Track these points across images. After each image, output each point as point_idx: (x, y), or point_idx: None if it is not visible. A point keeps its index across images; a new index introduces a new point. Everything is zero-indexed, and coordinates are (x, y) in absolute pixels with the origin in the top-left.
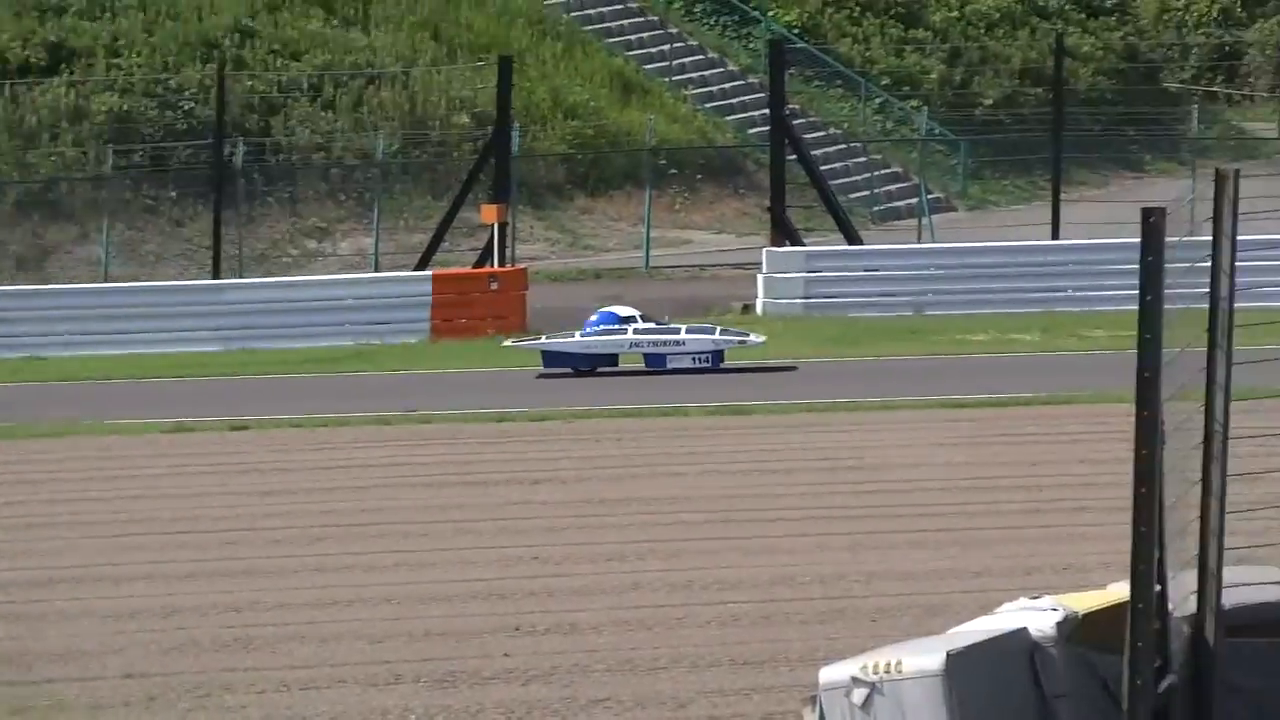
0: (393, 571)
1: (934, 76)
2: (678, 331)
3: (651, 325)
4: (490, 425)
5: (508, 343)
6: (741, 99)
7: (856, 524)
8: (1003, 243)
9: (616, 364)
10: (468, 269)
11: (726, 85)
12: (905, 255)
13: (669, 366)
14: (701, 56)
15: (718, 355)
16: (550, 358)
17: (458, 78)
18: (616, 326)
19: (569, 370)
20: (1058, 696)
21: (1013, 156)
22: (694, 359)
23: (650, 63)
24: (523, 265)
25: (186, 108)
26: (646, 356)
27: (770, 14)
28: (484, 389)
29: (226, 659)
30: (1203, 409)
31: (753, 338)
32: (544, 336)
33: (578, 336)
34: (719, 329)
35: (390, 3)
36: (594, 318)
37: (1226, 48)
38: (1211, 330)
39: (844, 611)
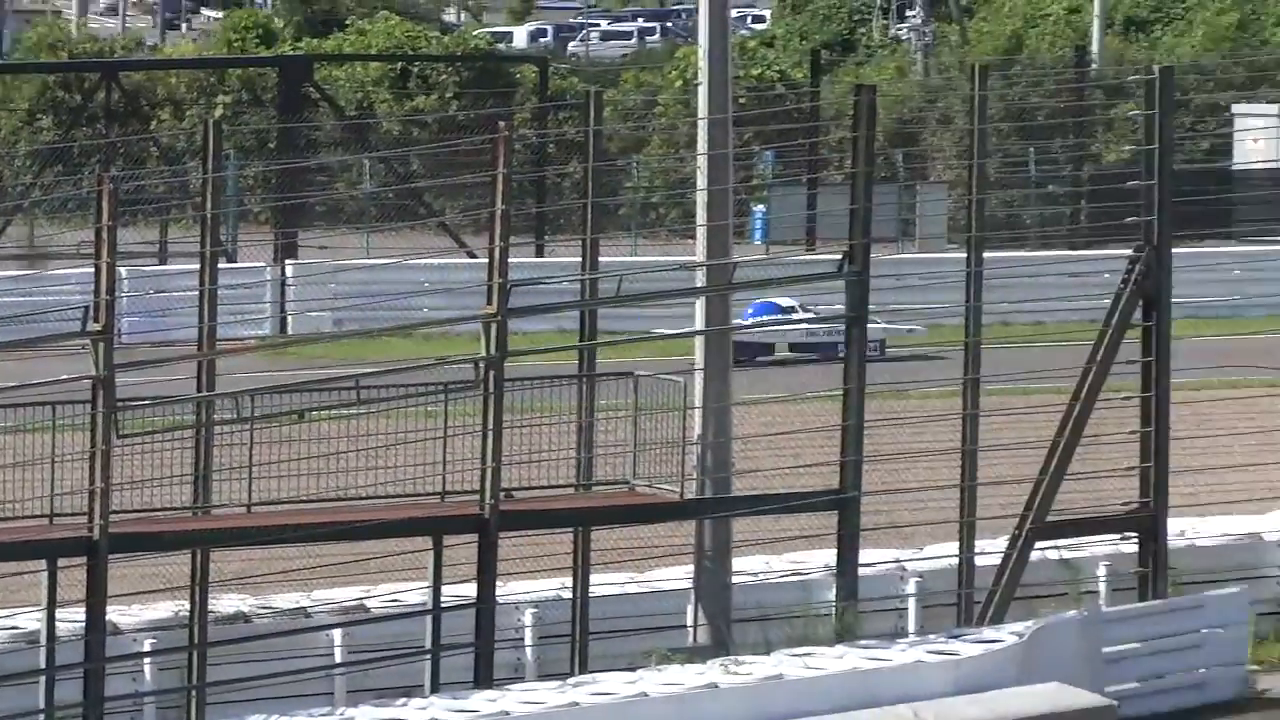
0: None
1: None
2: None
3: (812, 315)
4: None
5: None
6: None
7: None
8: None
9: (773, 353)
10: None
11: None
12: None
13: (840, 354)
14: None
15: (882, 344)
16: None
17: None
18: (779, 316)
19: None
20: None
21: None
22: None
23: None
24: None
25: None
26: (819, 345)
27: None
28: None
29: None
30: None
31: (918, 328)
32: None
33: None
34: (883, 320)
35: None
36: (749, 309)
37: None
38: None
39: None
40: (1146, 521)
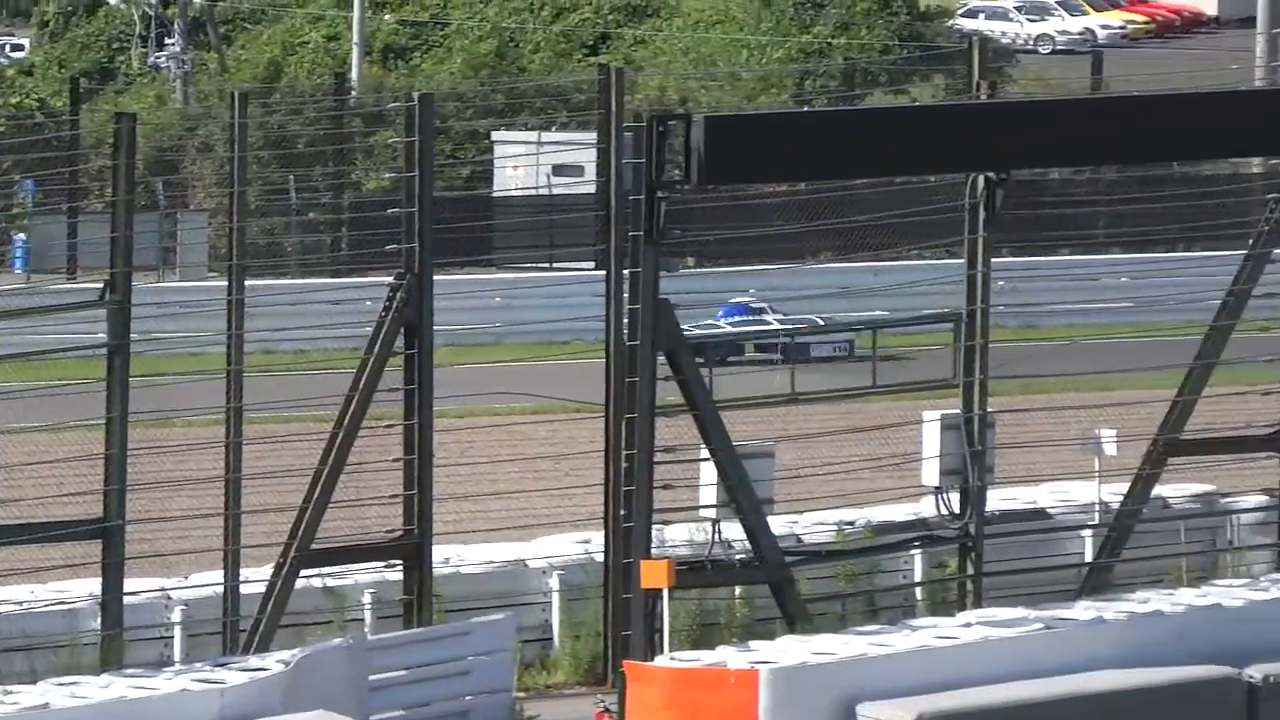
0: None
1: None
2: (817, 322)
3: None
4: None
5: None
6: None
7: None
8: None
9: (743, 353)
10: None
11: None
12: None
13: (811, 355)
14: None
15: (852, 344)
16: None
17: None
18: (753, 317)
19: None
20: None
21: None
22: (834, 348)
23: None
24: None
25: None
26: (789, 346)
27: None
28: None
29: None
30: None
31: None
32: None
33: (725, 327)
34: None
35: None
36: (720, 311)
37: None
38: None
39: None
40: (411, 549)
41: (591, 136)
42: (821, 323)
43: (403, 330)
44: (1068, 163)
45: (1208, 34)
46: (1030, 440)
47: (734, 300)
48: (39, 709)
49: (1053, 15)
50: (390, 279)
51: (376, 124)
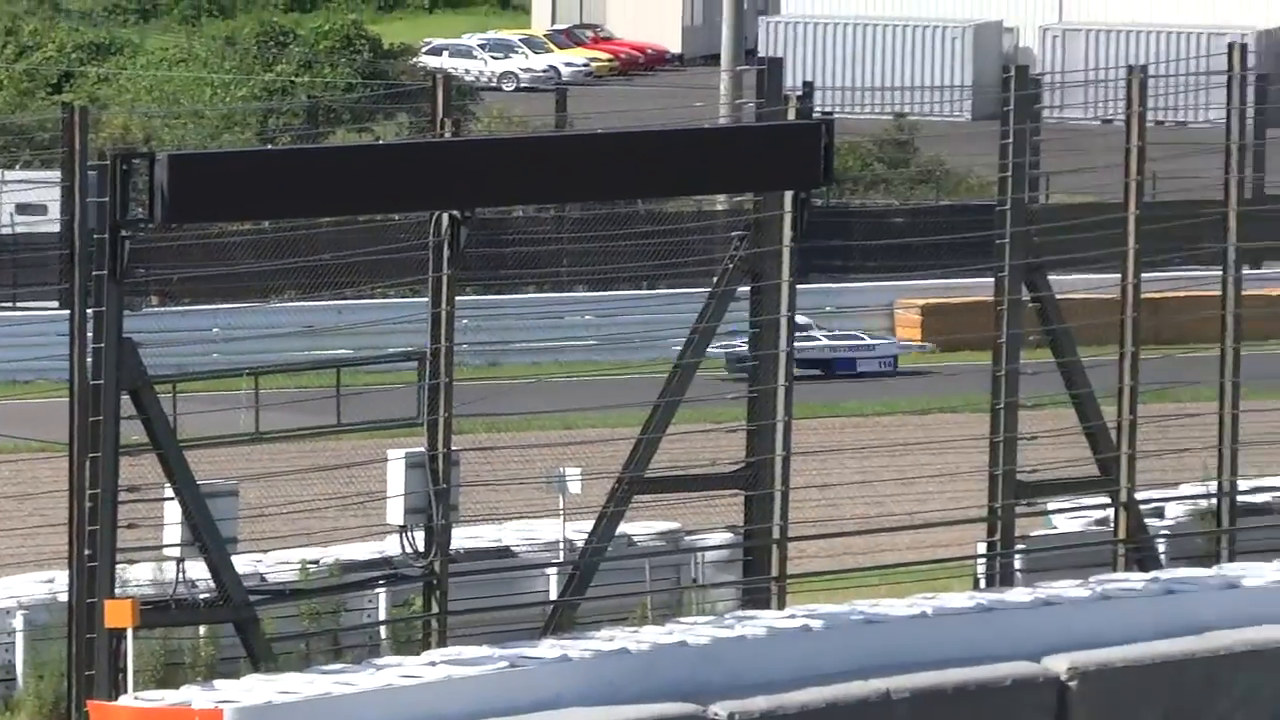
0: None
1: None
2: (861, 338)
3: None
4: None
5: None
6: None
7: None
8: None
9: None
10: None
11: None
12: None
13: (858, 370)
14: None
15: (895, 359)
16: (735, 362)
17: None
18: (799, 332)
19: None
20: None
21: None
22: (880, 363)
23: None
24: None
25: None
26: (837, 361)
27: None
28: None
29: None
30: None
31: (928, 345)
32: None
33: None
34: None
35: None
36: None
37: None
38: None
39: None
40: None
41: (55, 175)
42: (868, 340)
43: None
44: (530, 200)
45: (672, 71)
46: (495, 478)
47: None
48: None
49: (516, 53)
50: None
51: None
